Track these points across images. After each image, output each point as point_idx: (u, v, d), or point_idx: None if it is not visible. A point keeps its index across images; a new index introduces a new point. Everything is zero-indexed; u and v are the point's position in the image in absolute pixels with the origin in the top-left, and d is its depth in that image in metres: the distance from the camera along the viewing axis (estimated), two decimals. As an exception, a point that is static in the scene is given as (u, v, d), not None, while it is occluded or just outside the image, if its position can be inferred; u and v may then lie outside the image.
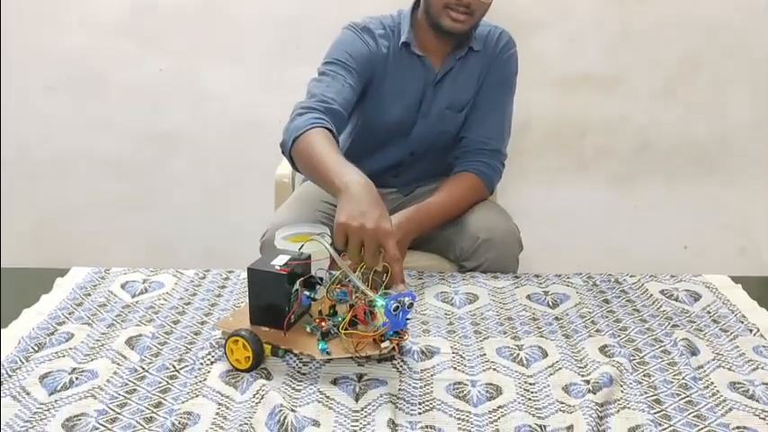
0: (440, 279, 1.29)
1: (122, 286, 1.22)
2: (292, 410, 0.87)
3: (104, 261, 1.50)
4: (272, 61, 2.05)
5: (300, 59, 1.84)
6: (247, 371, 0.96)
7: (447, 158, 1.46)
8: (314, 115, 1.25)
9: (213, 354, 1.00)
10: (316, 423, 0.85)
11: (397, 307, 0.93)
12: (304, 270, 1.01)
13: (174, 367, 0.97)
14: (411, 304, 0.94)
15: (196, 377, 0.95)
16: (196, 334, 1.07)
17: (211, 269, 1.30)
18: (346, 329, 0.96)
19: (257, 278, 1.00)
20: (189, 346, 1.03)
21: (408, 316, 1.00)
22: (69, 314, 1.12)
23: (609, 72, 2.08)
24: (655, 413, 0.89)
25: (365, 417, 0.87)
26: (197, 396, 0.91)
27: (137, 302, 1.17)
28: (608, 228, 2.20)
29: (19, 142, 2.12)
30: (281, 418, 0.85)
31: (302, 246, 1.04)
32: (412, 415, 0.88)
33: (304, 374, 0.97)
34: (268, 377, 0.95)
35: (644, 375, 0.97)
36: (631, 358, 1.01)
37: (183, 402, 0.89)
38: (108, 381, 0.93)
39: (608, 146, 2.14)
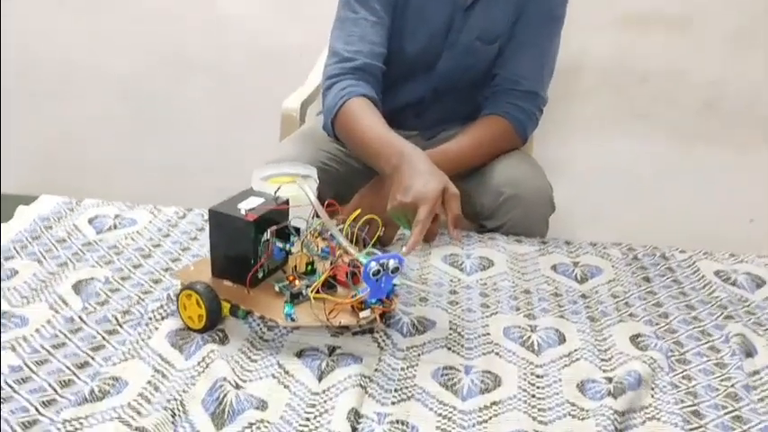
0: (451, 239, 1.11)
1: (90, 221, 1.08)
2: (237, 387, 0.71)
3: (112, 192, 1.37)
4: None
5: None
6: (200, 331, 0.81)
7: (476, 98, 1.26)
8: (340, 86, 1.13)
9: (166, 308, 0.85)
10: (261, 405, 0.69)
11: (379, 271, 0.76)
12: (278, 217, 0.85)
13: (116, 320, 0.83)
14: (396, 269, 0.77)
15: (140, 334, 0.80)
16: (155, 282, 0.92)
17: (194, 208, 1.15)
18: (318, 293, 0.80)
19: (219, 223, 0.84)
20: (142, 296, 0.88)
21: (395, 282, 0.83)
22: (22, 248, 0.98)
23: (679, 11, 1.81)
24: (691, 429, 0.70)
25: (324, 402, 0.71)
26: (133, 358, 0.76)
27: (100, 240, 1.03)
28: (661, 192, 1.96)
29: (25, 56, 2.00)
30: (221, 396, 0.69)
31: (278, 188, 0.87)
32: (383, 404, 0.71)
33: (266, 342, 0.81)
34: (222, 341, 0.80)
35: (683, 378, 0.78)
36: (669, 354, 0.82)
37: (113, 365, 0.75)
38: (37, 331, 0.80)
39: (670, 98, 1.88)
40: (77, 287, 0.89)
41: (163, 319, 0.84)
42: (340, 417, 0.67)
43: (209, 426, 0.66)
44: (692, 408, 0.73)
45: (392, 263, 0.76)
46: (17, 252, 0.97)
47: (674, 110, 1.91)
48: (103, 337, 0.79)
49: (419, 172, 0.92)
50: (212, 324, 0.81)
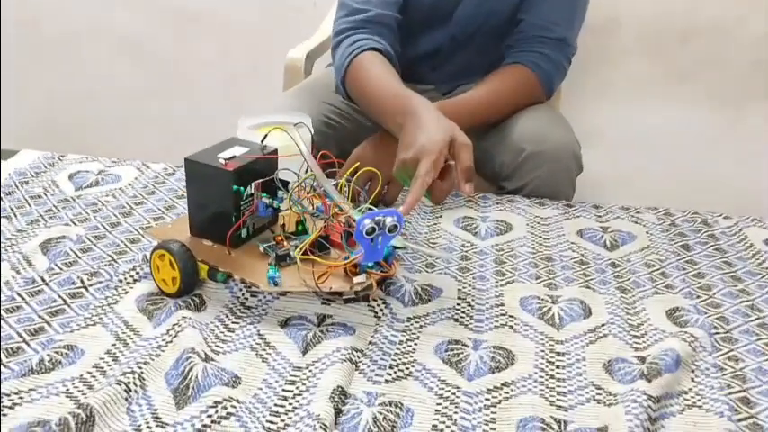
0: (467, 200, 1.00)
1: (70, 177, 0.99)
2: (207, 359, 0.62)
3: (114, 152, 1.27)
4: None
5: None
6: (175, 296, 0.71)
7: (499, 49, 1.13)
8: (350, 41, 1.03)
9: (140, 269, 0.76)
10: (233, 381, 0.60)
11: (373, 229, 0.65)
12: (265, 169, 0.74)
13: (81, 282, 0.73)
14: (394, 228, 0.66)
15: (107, 298, 0.71)
16: (132, 242, 0.83)
17: (186, 165, 1.05)
18: (307, 254, 0.70)
19: (196, 174, 0.74)
20: (116, 257, 0.79)
21: (396, 244, 0.72)
22: (-8, 204, 0.90)
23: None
24: (739, 420, 0.59)
25: (306, 379, 0.61)
26: (94, 324, 0.67)
27: (79, 197, 0.94)
28: (703, 161, 1.81)
29: (26, 14, 1.92)
30: (186, 370, 0.60)
31: (265, 137, 0.76)
32: (375, 383, 0.61)
33: (248, 309, 0.71)
34: (198, 308, 0.70)
35: (729, 359, 0.67)
36: (713, 332, 0.71)
37: (70, 331, 0.66)
38: (-8, 292, 0.71)
39: (715, 57, 1.73)
40: (45, 246, 0.81)
41: (135, 282, 0.74)
42: (322, 396, 0.57)
43: (170, 403, 0.57)
44: (741, 394, 0.62)
45: (389, 220, 0.66)
46: (-14, 208, 0.89)
47: (717, 71, 1.76)
48: (64, 301, 0.70)
49: (423, 125, 0.81)
50: (187, 288, 0.72)
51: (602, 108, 1.78)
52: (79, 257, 0.79)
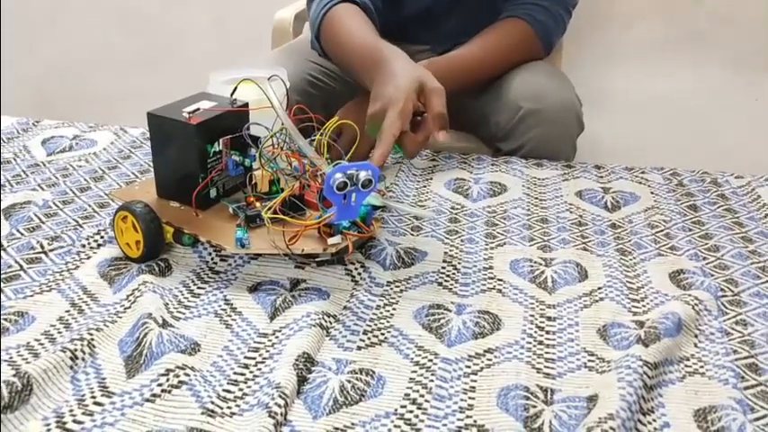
0: (460, 162, 0.94)
1: (44, 142, 0.95)
2: (164, 325, 0.57)
3: (110, 122, 1.23)
4: None
5: None
6: (139, 260, 0.67)
7: (496, 5, 1.07)
8: None
9: (105, 234, 0.72)
10: (191, 348, 0.55)
11: (345, 184, 0.60)
12: (234, 124, 0.69)
13: (41, 247, 0.69)
14: (368, 182, 0.61)
15: (66, 264, 0.67)
16: (101, 207, 0.78)
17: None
18: (276, 215, 0.64)
19: (160, 129, 0.69)
20: (82, 222, 0.75)
21: (373, 203, 0.67)
22: (-42, 170, 0.86)
23: None
24: (746, 387, 0.53)
25: (271, 346, 0.56)
26: (49, 291, 0.63)
27: (50, 162, 0.89)
28: (717, 127, 1.73)
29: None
30: (140, 336, 0.55)
31: (234, 89, 0.71)
32: (346, 349, 0.56)
33: (217, 273, 0.67)
34: (163, 273, 0.66)
35: (736, 323, 0.61)
36: (720, 294, 0.65)
37: (24, 298, 0.61)
38: (-55, 258, 0.67)
39: (730, 16, 1.64)
40: (8, 212, 0.76)
41: (99, 246, 0.70)
42: (285, 364, 0.53)
43: (120, 372, 0.53)
44: (748, 360, 0.56)
45: (363, 174, 0.60)
46: (-48, 174, 0.85)
47: (732, 32, 1.68)
48: (21, 266, 0.66)
49: (391, 74, 0.76)
50: (152, 252, 0.67)
51: (610, 70, 1.70)
52: (42, 222, 0.74)
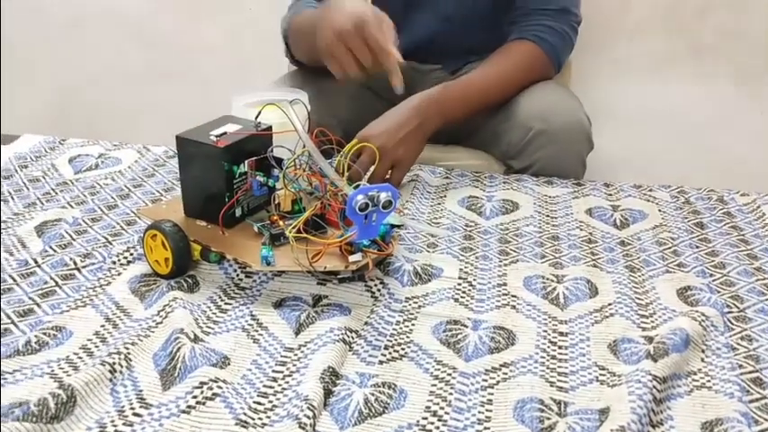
0: (473, 180, 0.97)
1: (70, 160, 0.98)
2: (195, 340, 0.60)
3: (125, 138, 1.27)
4: None
5: None
6: (168, 276, 0.70)
7: (502, 26, 1.10)
8: (296, 7, 1.04)
9: (134, 251, 0.75)
10: (222, 362, 0.58)
11: (367, 205, 0.63)
12: (259, 147, 0.72)
13: (74, 264, 0.72)
14: (389, 204, 0.64)
15: (99, 279, 0.70)
16: (128, 224, 0.82)
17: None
18: (300, 233, 0.68)
19: (188, 152, 0.72)
20: (111, 239, 0.78)
21: (392, 222, 0.70)
22: (-9, 188, 0.89)
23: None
24: (751, 401, 0.56)
25: (297, 360, 0.59)
26: (84, 306, 0.66)
27: (77, 180, 0.93)
28: (722, 141, 1.76)
29: (31, 3, 1.92)
30: (174, 350, 0.58)
31: (259, 113, 0.74)
32: (368, 363, 0.59)
33: (242, 290, 0.70)
34: (191, 289, 0.69)
35: (742, 338, 0.64)
36: (726, 311, 0.68)
37: (60, 313, 0.64)
38: (-17, 275, 0.70)
39: (735, 30, 1.67)
40: (41, 229, 0.79)
41: (129, 263, 0.73)
42: (312, 377, 0.55)
43: (156, 384, 0.56)
44: (753, 374, 0.59)
45: (383, 196, 0.64)
46: (-16, 192, 0.88)
47: (737, 45, 1.70)
48: (56, 283, 0.69)
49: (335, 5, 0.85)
50: (181, 269, 0.70)
51: (617, 85, 1.73)
52: (74, 240, 0.77)
